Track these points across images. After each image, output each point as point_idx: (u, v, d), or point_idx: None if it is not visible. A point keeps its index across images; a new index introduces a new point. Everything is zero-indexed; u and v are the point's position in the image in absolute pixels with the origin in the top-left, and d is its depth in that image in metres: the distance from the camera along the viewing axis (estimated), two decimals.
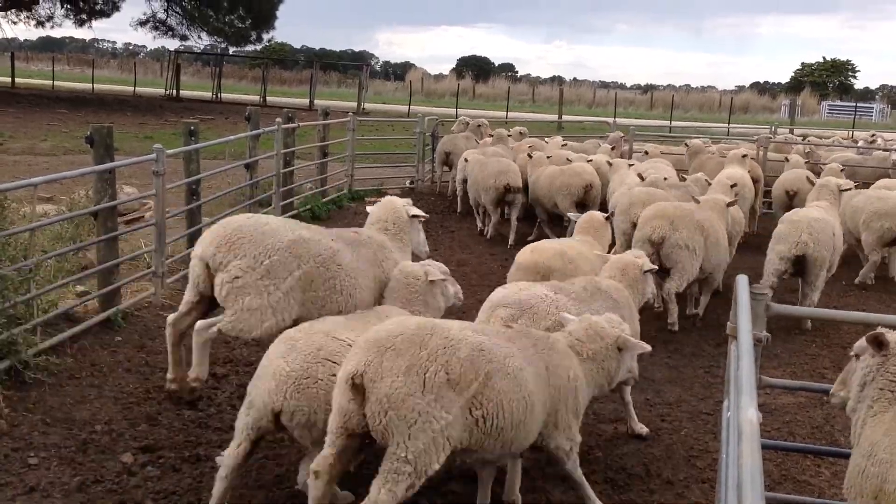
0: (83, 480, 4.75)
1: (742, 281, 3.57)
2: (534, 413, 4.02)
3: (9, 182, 7.18)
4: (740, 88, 78.58)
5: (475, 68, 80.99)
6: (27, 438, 5.10)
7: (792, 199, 11.50)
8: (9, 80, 40.75)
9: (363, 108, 37.86)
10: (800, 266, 8.39)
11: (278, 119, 11.62)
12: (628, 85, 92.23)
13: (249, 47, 49.68)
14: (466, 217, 13.62)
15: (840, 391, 3.68)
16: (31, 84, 43.64)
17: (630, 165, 11.79)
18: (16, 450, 4.96)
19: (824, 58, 72.60)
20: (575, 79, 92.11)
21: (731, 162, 12.12)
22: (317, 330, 4.40)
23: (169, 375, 5.85)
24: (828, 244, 8.39)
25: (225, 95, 43.40)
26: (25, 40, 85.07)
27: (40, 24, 40.69)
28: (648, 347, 4.68)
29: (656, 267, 6.54)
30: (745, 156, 12.46)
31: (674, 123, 38.15)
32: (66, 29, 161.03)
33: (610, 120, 24.15)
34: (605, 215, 7.78)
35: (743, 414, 2.28)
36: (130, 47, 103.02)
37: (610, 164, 12.39)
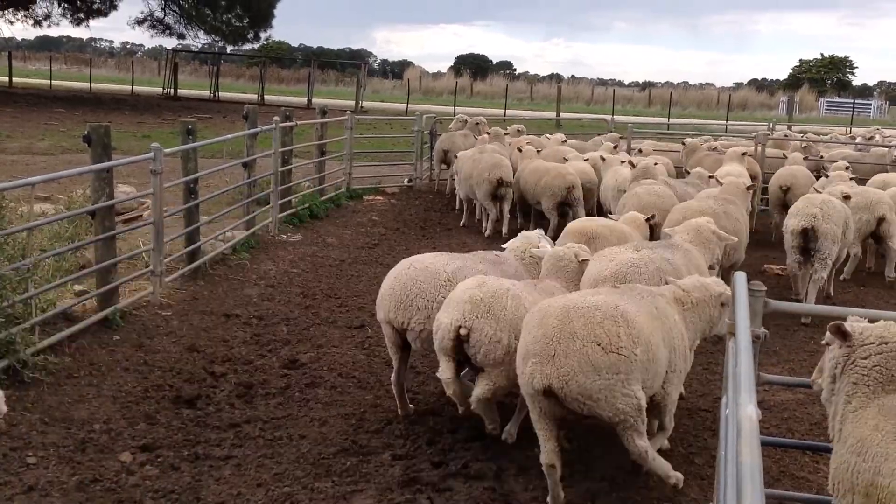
0: (82, 479, 4.75)
1: (740, 278, 3.57)
2: (661, 353, 4.64)
3: (6, 181, 7.17)
4: (738, 85, 78.54)
5: (473, 66, 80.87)
6: (25, 438, 5.10)
7: (786, 195, 11.51)
8: (6, 79, 40.72)
9: (361, 107, 37.84)
10: (809, 240, 8.74)
11: (276, 118, 11.60)
12: (626, 82, 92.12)
13: (247, 46, 49.64)
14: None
15: (818, 378, 3.69)
16: (28, 83, 43.59)
17: (622, 162, 11.81)
18: (14, 449, 4.95)
19: (822, 54, 72.71)
20: (573, 76, 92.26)
21: (730, 159, 12.13)
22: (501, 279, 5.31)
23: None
24: (837, 221, 8.74)
25: (223, 94, 43.38)
26: (23, 39, 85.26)
27: (37, 23, 40.68)
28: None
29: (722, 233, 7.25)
30: (744, 154, 12.48)
31: (672, 121, 38.08)
32: (63, 28, 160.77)
33: (608, 117, 24.13)
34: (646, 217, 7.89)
35: (742, 411, 2.28)
36: (128, 46, 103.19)
37: (604, 160, 12.45)
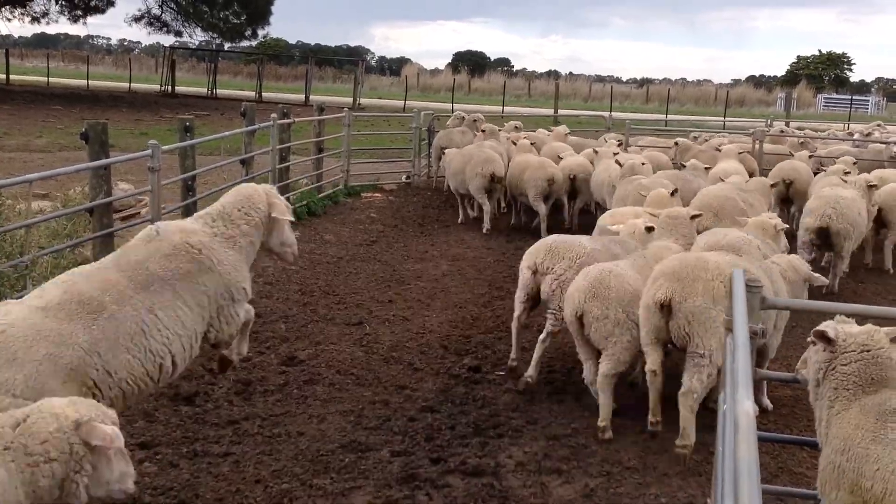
0: None
1: (738, 274, 3.57)
2: None
3: (4, 179, 7.16)
4: (736, 82, 78.42)
5: (471, 63, 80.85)
6: None
7: (788, 189, 11.53)
8: (3, 77, 40.59)
9: (359, 104, 37.84)
10: (824, 238, 9.14)
11: (274, 115, 11.59)
12: (624, 79, 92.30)
13: (245, 43, 49.58)
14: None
15: (802, 369, 3.73)
16: (25, 81, 43.47)
17: (615, 154, 11.82)
18: None
19: (820, 51, 72.85)
20: (571, 73, 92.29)
21: (726, 157, 12.17)
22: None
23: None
24: (852, 219, 9.10)
25: (220, 91, 43.28)
26: (20, 37, 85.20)
27: (35, 20, 40.66)
28: (825, 280, 6.51)
29: (786, 226, 7.74)
30: (741, 152, 12.55)
31: (670, 117, 38.04)
32: (60, 25, 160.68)
33: (606, 114, 24.14)
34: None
35: (739, 407, 2.28)
36: (125, 43, 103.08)
37: (596, 153, 12.45)
